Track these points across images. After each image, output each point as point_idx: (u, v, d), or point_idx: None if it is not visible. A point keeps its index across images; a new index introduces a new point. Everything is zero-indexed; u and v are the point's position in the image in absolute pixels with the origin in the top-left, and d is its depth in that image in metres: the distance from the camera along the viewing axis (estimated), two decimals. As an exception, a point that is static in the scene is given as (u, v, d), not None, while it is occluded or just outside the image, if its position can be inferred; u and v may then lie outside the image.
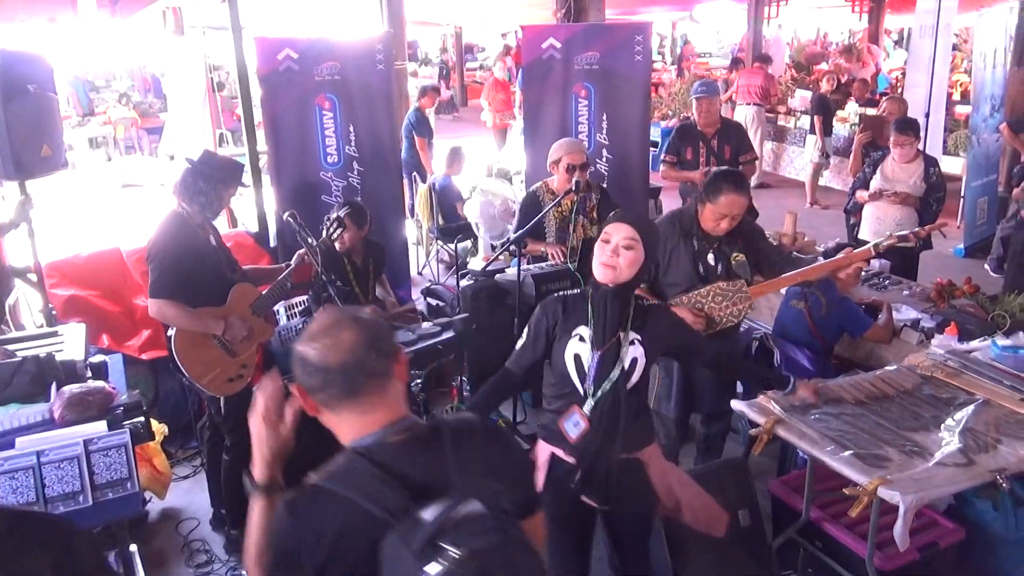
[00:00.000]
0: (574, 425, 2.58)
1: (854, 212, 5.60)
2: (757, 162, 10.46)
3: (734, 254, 3.51)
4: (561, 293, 2.68)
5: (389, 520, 1.46)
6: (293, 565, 1.53)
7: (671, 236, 3.50)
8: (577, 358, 2.56)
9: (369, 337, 1.63)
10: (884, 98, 7.26)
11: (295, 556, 1.53)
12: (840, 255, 3.56)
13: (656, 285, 3.56)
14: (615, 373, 2.53)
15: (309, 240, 3.38)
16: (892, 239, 3.55)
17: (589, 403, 2.55)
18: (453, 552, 1.38)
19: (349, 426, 1.65)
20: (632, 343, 2.56)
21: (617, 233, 2.52)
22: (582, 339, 2.56)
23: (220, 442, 3.80)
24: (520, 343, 2.68)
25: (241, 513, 3.86)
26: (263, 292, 3.70)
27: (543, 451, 2.69)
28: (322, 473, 1.60)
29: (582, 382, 2.56)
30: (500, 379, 2.75)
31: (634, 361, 2.56)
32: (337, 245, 4.36)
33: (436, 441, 1.63)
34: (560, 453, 2.63)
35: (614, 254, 2.51)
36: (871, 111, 8.65)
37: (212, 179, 3.46)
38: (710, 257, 3.49)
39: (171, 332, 3.51)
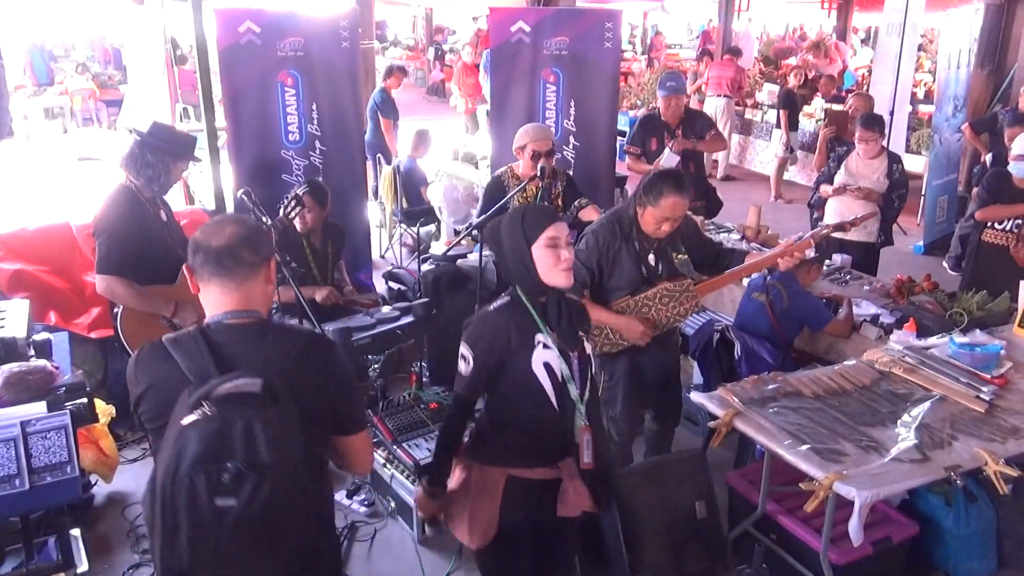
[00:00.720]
0: (588, 446, 2.42)
1: (818, 206, 5.61)
2: (724, 152, 10.57)
3: (675, 254, 3.48)
4: (493, 308, 2.43)
5: (191, 381, 1.76)
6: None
7: (612, 240, 3.39)
8: (548, 367, 2.38)
9: (247, 234, 1.91)
10: (850, 94, 7.29)
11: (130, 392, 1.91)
12: (780, 245, 3.57)
13: (600, 291, 3.45)
14: (592, 371, 2.49)
15: (263, 219, 3.28)
16: (828, 229, 3.63)
17: (580, 408, 2.42)
18: (206, 409, 1.66)
19: (210, 302, 1.91)
20: (584, 338, 2.51)
21: (560, 232, 2.38)
22: (546, 346, 2.38)
23: None
24: (466, 370, 2.38)
25: None
26: None
27: (496, 477, 2.45)
28: (170, 335, 1.88)
29: (555, 391, 2.39)
30: (461, 417, 2.50)
31: (590, 355, 2.53)
32: (298, 225, 4.26)
33: (269, 337, 1.88)
34: (523, 473, 2.45)
35: (569, 255, 2.38)
36: (837, 107, 8.70)
37: (160, 151, 3.36)
38: (651, 258, 3.43)
39: (118, 310, 3.40)
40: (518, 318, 2.39)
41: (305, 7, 5.93)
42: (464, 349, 2.40)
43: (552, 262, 2.36)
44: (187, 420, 1.65)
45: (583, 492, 2.47)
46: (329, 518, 2.13)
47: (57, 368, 3.16)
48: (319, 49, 5.24)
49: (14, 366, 2.95)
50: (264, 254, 1.93)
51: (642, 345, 3.42)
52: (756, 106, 11.50)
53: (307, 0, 8.38)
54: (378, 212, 7.70)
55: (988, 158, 6.68)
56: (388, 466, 3.78)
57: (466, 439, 2.56)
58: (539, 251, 2.37)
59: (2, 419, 2.66)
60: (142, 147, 3.37)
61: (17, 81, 13.59)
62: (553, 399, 2.40)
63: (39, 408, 2.78)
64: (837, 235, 4.79)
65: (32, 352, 3.30)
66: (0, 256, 4.58)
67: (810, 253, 4.05)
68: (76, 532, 3.44)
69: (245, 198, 3.35)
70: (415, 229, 6.91)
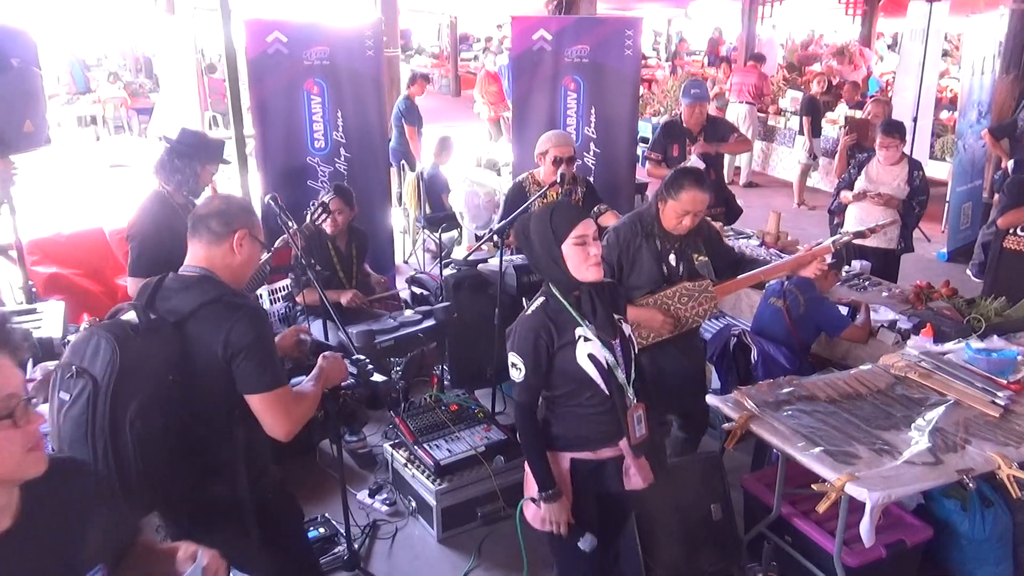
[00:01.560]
0: (639, 422, 2.56)
1: (838, 212, 5.63)
2: (743, 167, 10.59)
3: (696, 255, 3.53)
4: (530, 311, 2.53)
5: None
6: None
7: (633, 238, 3.48)
8: (592, 358, 2.47)
9: (222, 208, 2.30)
10: (869, 100, 7.29)
11: None
12: (801, 251, 3.61)
13: (625, 288, 3.50)
14: (634, 353, 2.59)
15: (290, 224, 3.38)
16: (848, 235, 3.64)
17: (629, 393, 2.54)
18: (88, 324, 2.21)
19: (187, 258, 2.31)
20: (620, 322, 2.59)
21: (588, 229, 2.47)
22: (587, 339, 2.47)
23: None
24: (519, 377, 2.49)
25: None
26: None
27: (561, 461, 2.58)
28: (145, 281, 2.30)
29: (604, 379, 2.48)
30: (533, 417, 2.57)
31: (630, 336, 2.61)
32: (328, 228, 4.37)
33: (194, 290, 2.21)
34: (586, 456, 2.57)
35: (596, 252, 2.46)
36: (859, 114, 8.69)
37: (187, 156, 3.48)
38: (672, 258, 3.49)
39: None
40: (556, 316, 2.49)
41: (331, 17, 6.07)
42: (514, 358, 2.49)
43: (582, 258, 2.44)
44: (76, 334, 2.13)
45: (644, 465, 2.62)
46: (216, 457, 2.27)
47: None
48: (344, 58, 5.36)
49: (50, 364, 3.06)
50: (232, 227, 2.26)
51: (664, 335, 3.48)
52: (779, 112, 11.50)
53: (333, 10, 8.56)
54: (402, 218, 7.81)
55: (1010, 164, 6.65)
56: (409, 466, 3.86)
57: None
58: (568, 249, 2.45)
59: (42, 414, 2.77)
60: (171, 153, 3.50)
61: (51, 90, 13.92)
62: (603, 386, 2.49)
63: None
64: (857, 241, 4.83)
65: (67, 352, 3.42)
66: (36, 260, 4.74)
67: (828, 259, 4.08)
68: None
69: (272, 203, 3.45)
70: (438, 235, 7.00)
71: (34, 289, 4.42)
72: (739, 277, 3.59)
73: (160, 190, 3.51)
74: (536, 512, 2.59)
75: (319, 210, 4.01)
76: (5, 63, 3.73)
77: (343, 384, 2.62)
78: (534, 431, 2.57)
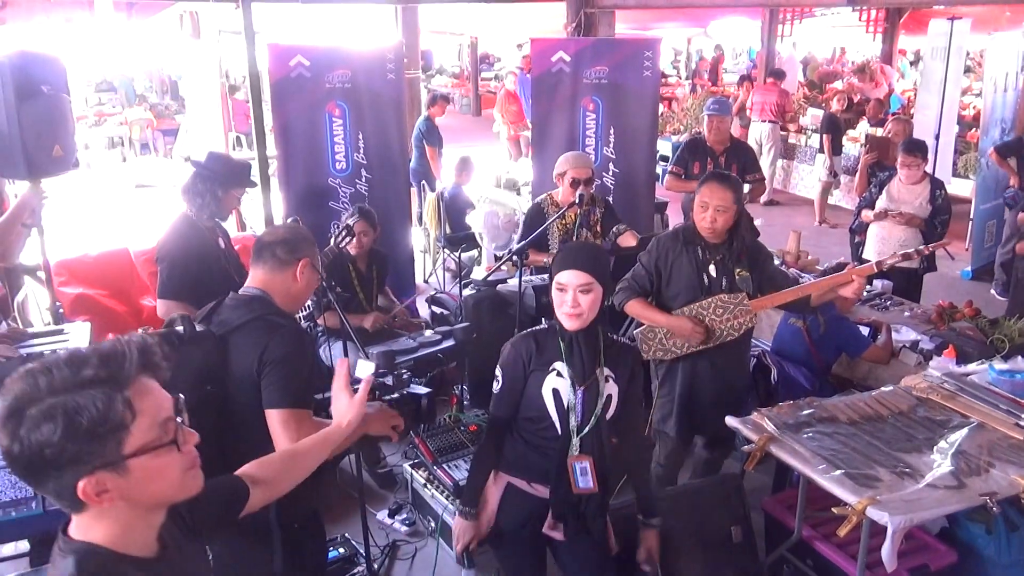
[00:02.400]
0: (583, 473, 2.54)
1: (859, 231, 5.61)
2: (766, 181, 10.54)
3: (738, 269, 3.52)
4: (531, 330, 2.64)
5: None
6: None
7: (672, 247, 3.51)
8: (555, 393, 2.53)
9: (288, 237, 2.43)
10: (890, 119, 7.26)
11: None
12: (844, 271, 3.54)
13: (660, 297, 3.54)
14: (599, 408, 2.54)
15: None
16: (896, 257, 3.49)
17: (574, 441, 2.53)
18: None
19: (248, 280, 2.44)
20: (607, 380, 2.56)
21: (571, 280, 2.47)
22: (559, 375, 2.53)
23: None
24: (497, 388, 2.61)
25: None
26: None
27: (500, 480, 2.66)
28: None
29: (560, 417, 2.53)
30: (496, 433, 2.67)
31: (609, 398, 2.56)
32: (352, 249, 4.41)
33: (243, 307, 2.33)
34: (521, 484, 2.63)
35: (575, 304, 2.47)
36: (880, 132, 8.65)
37: (210, 180, 3.54)
38: (712, 268, 3.48)
39: None
40: (546, 343, 2.57)
41: (353, 40, 6.15)
42: (497, 370, 2.60)
43: (557, 303, 2.53)
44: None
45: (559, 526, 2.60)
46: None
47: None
48: (366, 81, 5.44)
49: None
50: (297, 256, 2.40)
51: (695, 344, 3.46)
52: (800, 130, 11.46)
53: (355, 32, 8.68)
54: (422, 238, 7.86)
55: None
56: (428, 486, 3.87)
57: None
58: (553, 290, 2.54)
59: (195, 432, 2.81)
60: (195, 177, 3.56)
61: (78, 112, 14.19)
62: (557, 424, 2.54)
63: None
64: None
65: (93, 372, 3.47)
66: (64, 280, 4.82)
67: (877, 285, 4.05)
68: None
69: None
70: (458, 254, 7.04)
71: (61, 310, 4.49)
72: (778, 292, 3.49)
73: (188, 212, 3.57)
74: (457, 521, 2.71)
75: (343, 233, 4.06)
76: (36, 90, 3.80)
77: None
78: (490, 447, 2.67)
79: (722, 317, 3.44)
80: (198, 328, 2.28)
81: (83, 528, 1.29)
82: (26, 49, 4.01)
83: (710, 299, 3.44)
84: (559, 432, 2.54)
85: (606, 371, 2.56)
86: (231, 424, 2.27)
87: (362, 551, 3.55)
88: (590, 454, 2.55)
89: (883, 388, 3.56)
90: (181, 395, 1.36)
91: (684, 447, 3.81)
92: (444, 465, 3.85)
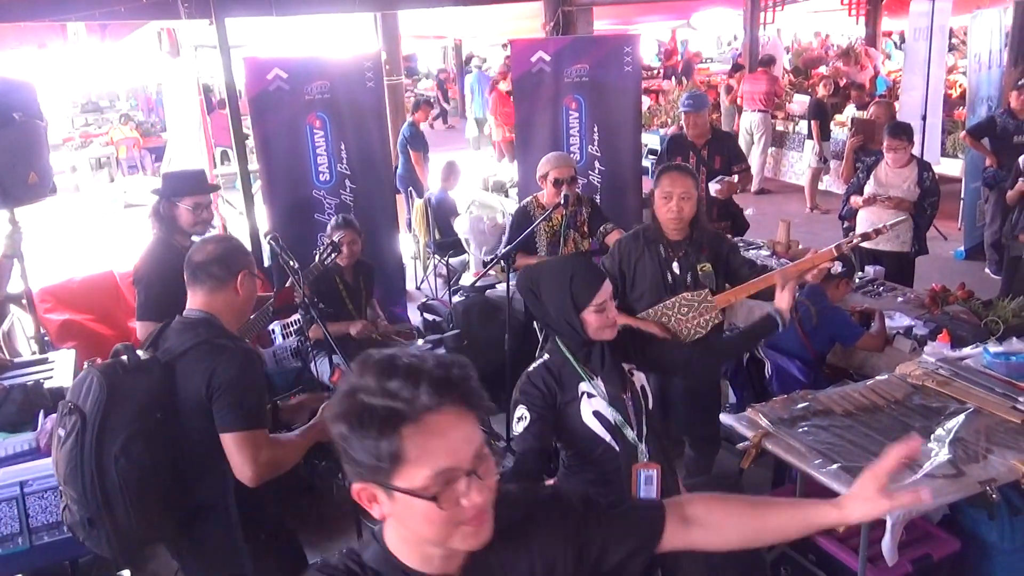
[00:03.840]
0: (647, 482, 2.44)
1: (849, 217, 5.57)
2: (759, 169, 10.51)
3: (700, 265, 3.47)
4: (534, 367, 2.47)
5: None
6: None
7: (634, 248, 3.48)
8: (599, 415, 2.41)
9: (220, 252, 2.36)
10: (872, 102, 7.19)
11: None
12: (807, 256, 3.43)
13: (626, 300, 3.49)
14: (645, 406, 2.50)
15: (291, 263, 3.38)
16: (857, 239, 3.39)
17: (641, 448, 2.45)
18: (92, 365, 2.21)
19: (187, 303, 2.39)
20: (631, 373, 2.52)
21: (607, 293, 2.40)
22: (590, 395, 2.42)
23: None
24: (525, 426, 2.38)
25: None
26: (250, 316, 3.70)
27: None
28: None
29: (613, 436, 2.42)
30: (527, 471, 2.39)
31: (644, 388, 2.54)
32: (343, 261, 4.38)
33: (189, 332, 2.29)
34: None
35: (615, 314, 2.43)
36: (866, 114, 8.61)
37: (164, 197, 3.52)
38: (675, 266, 3.45)
39: None
40: (559, 372, 2.43)
41: (331, 50, 6.11)
42: (519, 411, 2.40)
43: (601, 323, 2.40)
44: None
45: None
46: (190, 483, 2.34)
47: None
48: (345, 91, 5.39)
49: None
50: (233, 270, 2.35)
51: None
52: (788, 117, 11.41)
53: (335, 41, 8.63)
54: (411, 244, 7.82)
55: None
56: (425, 498, 3.82)
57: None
58: (589, 316, 2.39)
59: (51, 467, 2.77)
60: (156, 201, 3.56)
61: (65, 134, 14.14)
62: (613, 444, 2.42)
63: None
64: (867, 245, 4.76)
65: (78, 401, 3.43)
66: (49, 307, 4.77)
67: (837, 267, 4.01)
68: (126, 574, 3.54)
69: (273, 243, 3.45)
70: (446, 260, 7.00)
71: (47, 337, 4.44)
72: (741, 285, 3.42)
73: (161, 234, 3.54)
74: None
75: (328, 249, 4.01)
76: (7, 118, 3.76)
77: None
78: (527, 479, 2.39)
79: (687, 316, 3.37)
80: (143, 356, 2.25)
81: (385, 524, 1.28)
82: (-4, 76, 3.97)
83: (674, 299, 3.38)
84: (618, 450, 2.42)
85: (626, 366, 2.51)
86: (184, 451, 2.26)
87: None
88: (658, 461, 2.47)
89: (878, 377, 3.53)
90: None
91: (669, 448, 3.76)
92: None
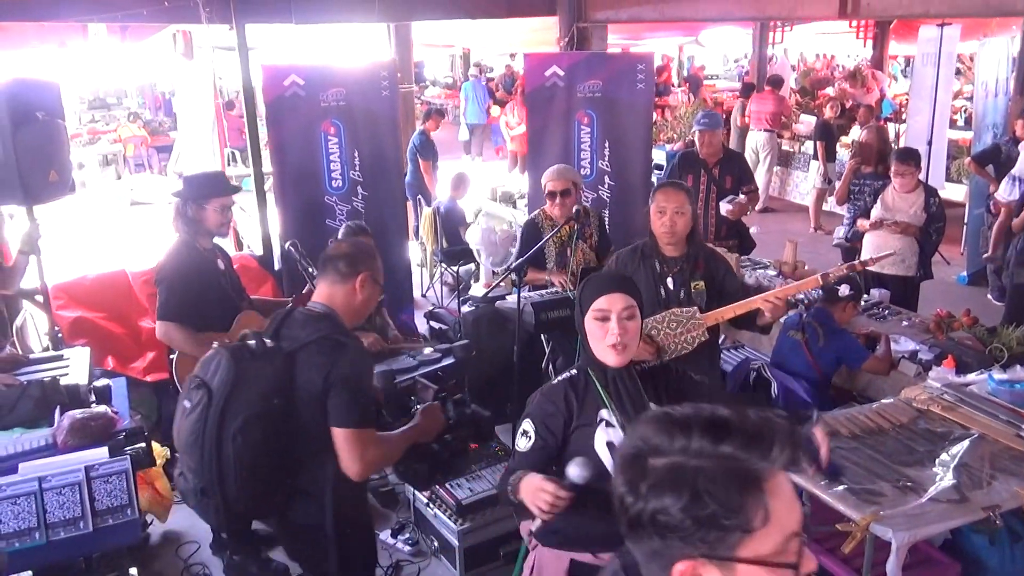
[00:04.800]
0: None
1: (855, 240, 5.62)
2: (763, 189, 10.56)
3: (694, 282, 3.50)
4: (557, 380, 2.33)
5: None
6: None
7: (631, 261, 3.52)
8: (611, 446, 2.20)
9: (349, 251, 2.54)
10: (864, 128, 7.23)
11: None
12: (801, 282, 3.48)
13: None
14: None
15: (310, 270, 3.42)
16: (841, 270, 3.47)
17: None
18: (220, 345, 2.39)
19: (314, 294, 2.55)
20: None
21: (613, 305, 2.18)
22: (609, 424, 2.22)
23: None
24: (526, 446, 2.25)
25: (242, 538, 3.88)
26: (268, 321, 3.74)
27: (555, 560, 2.32)
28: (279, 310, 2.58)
29: None
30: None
31: None
32: None
33: (310, 325, 2.42)
34: (586, 559, 2.28)
35: (621, 332, 2.17)
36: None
37: (186, 201, 3.54)
38: (670, 281, 3.49)
39: (174, 355, 3.56)
40: (581, 391, 2.26)
41: (346, 58, 6.16)
42: (526, 424, 2.29)
43: (599, 335, 2.20)
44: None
45: None
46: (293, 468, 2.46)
47: (117, 413, 3.32)
48: (360, 98, 5.45)
49: (77, 413, 3.10)
50: (356, 269, 2.49)
51: (646, 359, 3.44)
52: (794, 137, 11.49)
53: (349, 48, 8.70)
54: (419, 252, 7.86)
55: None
56: (431, 505, 3.86)
57: (534, 523, 2.37)
58: (589, 323, 2.23)
59: (68, 464, 2.81)
60: (179, 203, 3.58)
61: (73, 130, 14.17)
62: None
63: (101, 453, 2.92)
64: (873, 268, 4.81)
65: (93, 398, 3.46)
66: (62, 303, 4.81)
67: (844, 290, 4.07)
68: (134, 571, 3.57)
69: (292, 249, 3.49)
70: (455, 268, 7.04)
71: (60, 334, 4.48)
72: (729, 306, 3.43)
73: (185, 236, 3.58)
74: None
75: None
76: (31, 116, 3.81)
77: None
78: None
79: (676, 331, 3.38)
80: (268, 344, 2.38)
81: None
82: (21, 76, 4.02)
83: (664, 313, 3.41)
84: None
85: (651, 406, 2.22)
86: (295, 436, 2.38)
87: (366, 573, 3.54)
88: None
89: (883, 400, 3.58)
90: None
91: None
92: (446, 484, 3.84)
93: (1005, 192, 6.40)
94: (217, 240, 3.84)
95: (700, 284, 3.49)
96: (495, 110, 16.53)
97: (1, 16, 4.81)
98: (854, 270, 3.53)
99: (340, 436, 2.34)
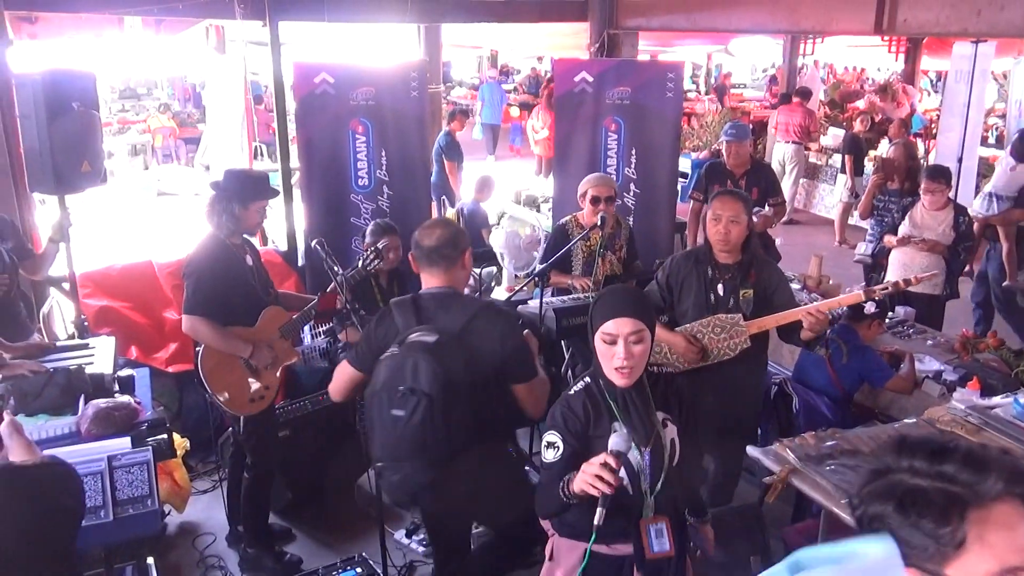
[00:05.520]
0: (658, 535, 2.34)
1: (881, 257, 5.57)
2: (789, 201, 10.49)
3: (744, 290, 3.54)
4: (574, 391, 2.37)
5: (400, 329, 2.64)
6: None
7: (684, 266, 3.62)
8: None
9: (447, 235, 2.72)
10: (891, 145, 7.11)
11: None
12: (844, 297, 3.57)
13: (673, 313, 3.66)
14: (666, 463, 2.34)
15: (335, 269, 3.42)
16: (885, 287, 3.48)
17: (648, 501, 2.34)
18: (395, 349, 2.57)
19: (425, 282, 2.76)
20: (665, 425, 2.35)
21: (621, 329, 2.21)
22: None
23: (242, 460, 3.86)
24: (554, 457, 2.28)
25: (258, 531, 3.91)
26: (293, 317, 3.77)
27: (571, 549, 2.41)
28: (394, 300, 2.78)
29: (631, 480, 2.30)
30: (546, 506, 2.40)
31: (672, 442, 2.36)
32: (387, 265, 4.43)
33: (454, 305, 2.67)
34: (600, 549, 2.31)
35: (627, 356, 2.21)
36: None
37: (227, 198, 3.53)
38: (720, 288, 3.55)
39: (200, 348, 3.59)
40: (596, 402, 2.31)
41: (376, 57, 6.19)
42: (551, 436, 2.31)
43: (606, 358, 2.25)
44: (383, 356, 2.60)
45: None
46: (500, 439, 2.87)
47: (139, 403, 3.36)
48: (389, 98, 5.46)
49: (101, 402, 3.14)
50: (461, 248, 2.74)
51: (688, 363, 3.53)
52: (822, 150, 11.40)
53: (379, 48, 8.73)
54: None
55: None
56: (446, 507, 3.87)
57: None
58: (597, 343, 2.28)
59: (91, 453, 2.85)
60: (214, 197, 3.58)
61: (103, 119, 14.30)
62: (629, 486, 2.31)
63: (124, 443, 2.96)
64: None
65: (117, 387, 3.50)
66: (88, 292, 4.85)
67: (870, 307, 4.04)
68: (151, 561, 3.60)
69: (318, 248, 3.49)
70: (477, 271, 7.03)
71: (86, 323, 4.53)
72: (773, 315, 3.50)
73: (218, 232, 3.57)
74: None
75: (371, 255, 4.07)
76: (66, 107, 3.86)
77: None
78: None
79: (719, 336, 3.51)
80: (433, 336, 2.57)
81: None
82: (58, 67, 4.07)
83: (710, 318, 3.51)
84: (631, 492, 2.31)
85: (660, 415, 2.35)
86: (482, 404, 2.60)
87: (379, 571, 3.55)
88: (665, 513, 2.37)
89: (906, 420, 3.55)
90: None
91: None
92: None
93: (981, 208, 6.30)
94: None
95: (749, 292, 3.55)
96: (514, 111, 16.79)
97: (41, 7, 4.87)
98: (898, 288, 3.54)
99: (524, 389, 2.67)
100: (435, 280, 2.73)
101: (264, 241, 6.34)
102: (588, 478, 2.06)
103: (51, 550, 2.03)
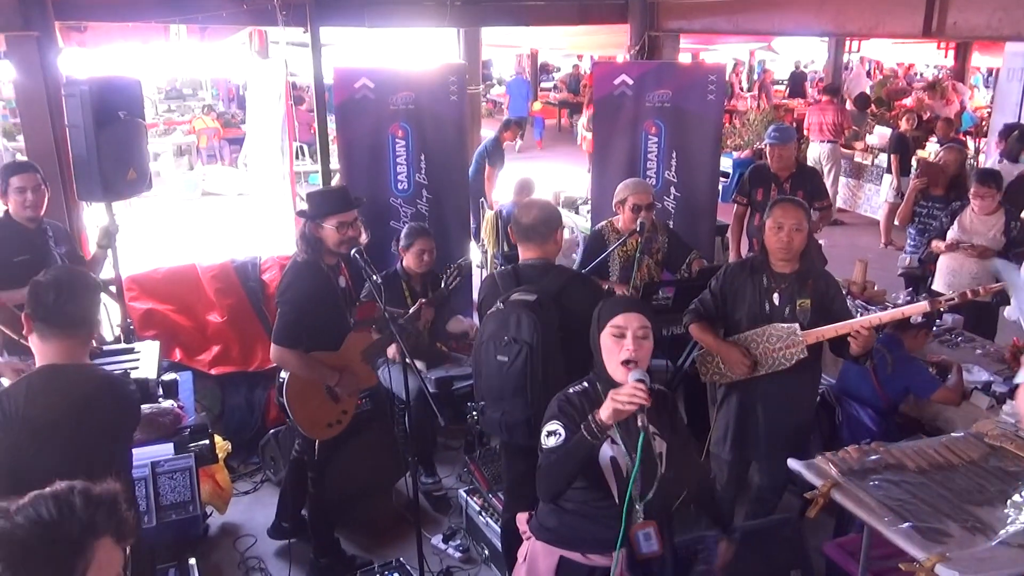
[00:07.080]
0: (646, 539, 2.38)
1: (929, 262, 5.44)
2: (833, 191, 10.31)
3: (800, 300, 3.47)
4: (574, 391, 2.45)
5: (502, 292, 3.17)
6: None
7: (739, 275, 3.55)
8: (614, 461, 2.35)
9: (543, 217, 3.24)
10: (942, 148, 6.88)
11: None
12: (909, 307, 3.48)
13: (727, 321, 3.59)
14: (659, 470, 2.41)
15: (374, 277, 3.42)
16: (952, 298, 3.38)
17: (638, 508, 2.37)
18: (500, 305, 3.10)
19: (522, 254, 3.30)
20: (655, 437, 2.41)
21: (630, 323, 2.33)
22: (614, 441, 2.37)
23: (304, 467, 3.83)
24: (553, 442, 2.35)
25: (330, 543, 3.88)
26: (374, 339, 3.73)
27: (546, 555, 2.48)
28: (498, 271, 3.39)
29: (619, 486, 2.35)
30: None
31: (661, 456, 2.42)
32: (420, 268, 4.47)
33: (550, 273, 3.20)
34: (575, 557, 2.44)
35: (636, 348, 2.30)
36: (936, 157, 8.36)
37: (307, 220, 3.45)
38: (776, 297, 3.48)
39: (284, 376, 3.53)
40: (593, 404, 2.33)
41: (416, 62, 6.21)
42: (552, 425, 2.37)
43: (614, 351, 2.34)
44: (490, 312, 3.13)
45: None
46: None
47: (182, 408, 3.42)
48: (429, 102, 5.48)
49: (146, 408, 3.19)
50: (553, 227, 3.23)
51: (738, 375, 3.48)
52: (867, 149, 11.16)
53: (419, 50, 8.78)
54: (479, 254, 7.89)
55: None
56: (483, 513, 3.88)
57: (530, 514, 2.62)
58: (605, 339, 2.38)
59: (136, 459, 2.90)
60: (302, 223, 3.50)
61: (149, 120, 14.58)
62: (615, 493, 2.35)
63: (167, 449, 3.01)
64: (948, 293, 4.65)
65: (161, 392, 3.56)
66: (133, 295, 4.95)
67: (917, 316, 3.95)
68: (193, 562, 3.66)
69: (358, 257, 3.46)
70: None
71: (132, 326, 4.62)
72: (832, 325, 3.42)
73: (308, 256, 3.46)
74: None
75: (454, 274, 4.15)
76: (113, 116, 3.94)
77: None
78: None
79: (775, 346, 3.44)
80: (541, 297, 3.05)
81: None
82: (105, 75, 4.15)
83: (764, 327, 3.44)
84: (616, 501, 2.35)
85: (652, 428, 2.38)
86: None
87: (416, 577, 3.57)
88: (654, 519, 2.42)
89: (953, 434, 3.46)
90: None
91: (740, 475, 3.78)
92: (498, 493, 3.86)
93: None
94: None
95: (806, 302, 3.48)
96: (536, 105, 17.52)
97: (89, 16, 4.98)
98: (965, 299, 3.42)
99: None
100: (531, 252, 3.23)
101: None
102: (623, 397, 2.19)
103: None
